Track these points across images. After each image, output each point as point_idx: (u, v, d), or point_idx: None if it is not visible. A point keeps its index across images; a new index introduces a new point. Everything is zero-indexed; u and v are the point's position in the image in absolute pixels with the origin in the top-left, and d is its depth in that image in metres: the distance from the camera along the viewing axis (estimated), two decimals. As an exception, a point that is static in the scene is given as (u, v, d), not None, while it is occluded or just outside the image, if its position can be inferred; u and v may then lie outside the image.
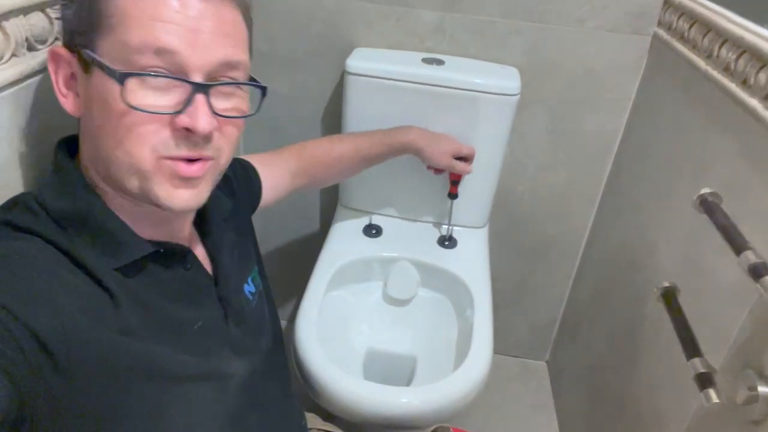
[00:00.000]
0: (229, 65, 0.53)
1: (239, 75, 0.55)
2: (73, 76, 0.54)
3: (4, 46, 0.59)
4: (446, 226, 1.24)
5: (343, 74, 1.14)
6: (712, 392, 0.63)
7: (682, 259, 0.92)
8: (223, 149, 0.56)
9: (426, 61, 1.16)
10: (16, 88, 0.61)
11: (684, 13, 1.02)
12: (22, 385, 0.43)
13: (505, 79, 1.14)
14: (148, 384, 0.52)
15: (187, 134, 0.51)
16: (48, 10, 0.65)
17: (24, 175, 0.64)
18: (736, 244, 0.61)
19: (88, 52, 0.50)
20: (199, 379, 0.58)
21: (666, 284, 0.82)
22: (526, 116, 1.26)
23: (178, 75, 0.50)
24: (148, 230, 0.57)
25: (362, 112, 1.17)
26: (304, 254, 1.56)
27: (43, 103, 0.66)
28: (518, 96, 1.13)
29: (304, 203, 1.48)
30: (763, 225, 0.70)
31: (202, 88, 0.51)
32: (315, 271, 1.12)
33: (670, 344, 0.88)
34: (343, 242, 1.21)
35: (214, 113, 0.52)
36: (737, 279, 0.73)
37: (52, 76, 0.54)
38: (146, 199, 0.53)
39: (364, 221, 1.25)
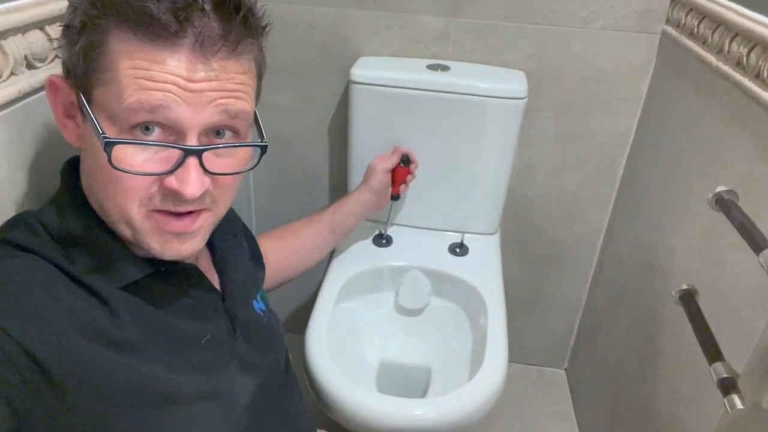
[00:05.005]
0: (230, 115, 0.51)
1: (240, 123, 0.52)
2: (72, 105, 0.53)
3: (2, 65, 0.59)
4: (458, 234, 1.23)
5: (348, 84, 1.14)
6: (736, 398, 0.61)
7: (700, 259, 0.89)
8: (220, 199, 0.55)
9: (431, 67, 1.15)
10: (15, 106, 0.61)
11: (692, 8, 0.99)
12: (19, 407, 0.42)
13: (512, 83, 1.12)
14: (149, 404, 0.51)
15: (177, 193, 0.50)
16: (47, 28, 0.65)
17: (22, 194, 0.64)
18: (756, 242, 0.58)
19: (83, 100, 0.49)
20: (205, 398, 0.57)
21: (684, 286, 0.79)
22: (534, 120, 1.24)
23: (172, 132, 0.49)
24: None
25: (368, 121, 1.16)
26: (314, 266, 1.55)
27: (42, 121, 0.66)
28: (525, 99, 1.11)
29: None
30: (783, 222, 0.68)
31: (194, 153, 0.49)
32: (325, 283, 1.11)
33: (692, 348, 0.85)
34: (353, 252, 1.20)
35: (208, 172, 0.50)
36: (758, 278, 0.71)
37: (51, 105, 0.53)
38: (141, 246, 0.53)
39: (374, 231, 1.24)
